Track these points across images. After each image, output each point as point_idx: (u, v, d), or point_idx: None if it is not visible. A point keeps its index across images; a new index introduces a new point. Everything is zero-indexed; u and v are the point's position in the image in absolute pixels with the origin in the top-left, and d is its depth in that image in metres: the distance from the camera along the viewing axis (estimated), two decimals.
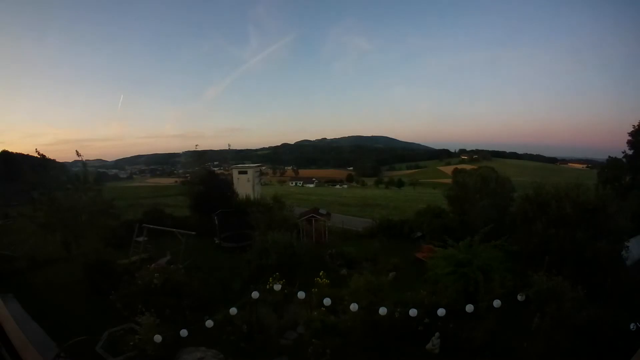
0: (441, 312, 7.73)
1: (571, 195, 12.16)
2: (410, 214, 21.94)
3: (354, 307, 7.98)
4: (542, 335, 8.16)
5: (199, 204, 21.67)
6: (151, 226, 16.26)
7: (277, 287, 9.42)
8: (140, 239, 15.94)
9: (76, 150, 17.79)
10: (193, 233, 15.76)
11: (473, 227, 13.09)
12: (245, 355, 8.48)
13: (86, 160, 18.95)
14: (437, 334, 8.49)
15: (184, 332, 7.56)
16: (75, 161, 19.14)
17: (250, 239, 16.72)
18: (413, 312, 7.91)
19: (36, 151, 18.09)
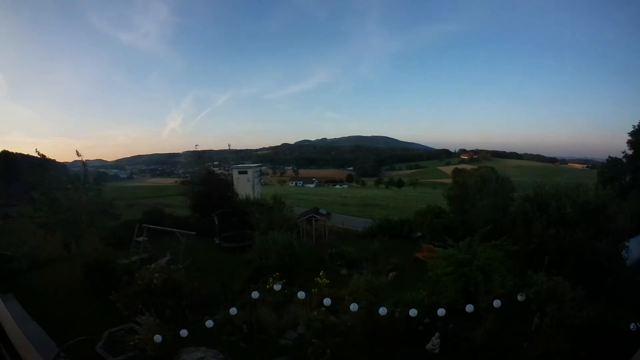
0: (441, 312, 7.72)
1: (571, 195, 12.15)
2: (410, 214, 21.95)
3: (354, 307, 7.98)
4: (542, 335, 8.15)
5: (199, 204, 21.68)
6: (151, 226, 16.25)
7: (277, 287, 9.41)
8: (140, 239, 15.93)
9: (76, 150, 17.75)
10: (193, 233, 15.76)
11: (473, 227, 13.09)
12: (245, 355, 8.48)
13: (86, 160, 18.89)
14: (437, 334, 8.49)
15: (184, 332, 7.54)
16: (75, 161, 19.11)
17: (250, 239, 16.73)
18: (413, 312, 7.90)
19: (36, 151, 18.05)
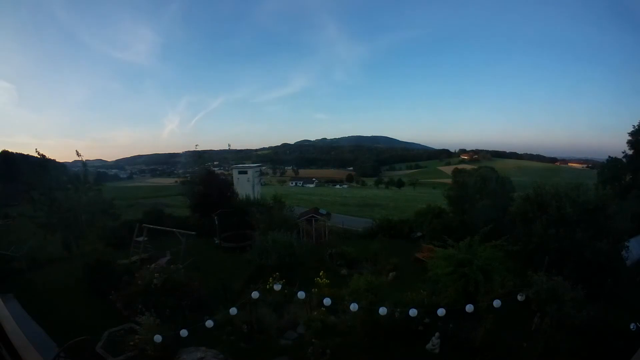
0: (441, 312, 7.72)
1: (571, 195, 12.15)
2: (410, 214, 21.94)
3: (354, 307, 7.98)
4: (542, 335, 8.15)
5: (199, 204, 21.67)
6: (151, 226, 16.25)
7: (277, 287, 9.41)
8: (140, 239, 15.92)
9: (76, 150, 17.80)
10: (193, 233, 15.75)
11: (473, 227, 13.09)
12: (245, 355, 8.47)
13: (86, 160, 18.92)
14: (437, 334, 8.48)
15: (184, 332, 7.54)
16: (76, 161, 19.13)
17: (250, 239, 16.73)
18: (413, 312, 7.90)
19: (36, 151, 18.06)
